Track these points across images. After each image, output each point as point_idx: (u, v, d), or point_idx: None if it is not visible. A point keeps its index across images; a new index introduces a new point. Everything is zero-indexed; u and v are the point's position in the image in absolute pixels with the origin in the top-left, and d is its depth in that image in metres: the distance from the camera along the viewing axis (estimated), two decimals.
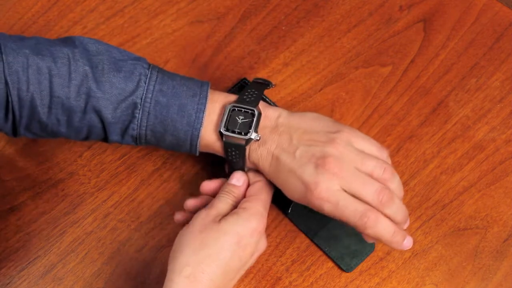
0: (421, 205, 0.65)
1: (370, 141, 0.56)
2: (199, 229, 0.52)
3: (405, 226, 0.55)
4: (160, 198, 0.64)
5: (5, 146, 0.65)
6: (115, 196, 0.64)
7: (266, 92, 0.69)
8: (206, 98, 0.55)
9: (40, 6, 0.73)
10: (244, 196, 0.57)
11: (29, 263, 0.61)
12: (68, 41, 0.55)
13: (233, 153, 0.56)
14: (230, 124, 0.55)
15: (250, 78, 0.70)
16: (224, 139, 0.55)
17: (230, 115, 0.55)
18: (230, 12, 0.74)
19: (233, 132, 0.55)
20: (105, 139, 0.57)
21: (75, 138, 0.57)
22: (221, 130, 0.55)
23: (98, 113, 0.54)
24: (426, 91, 0.71)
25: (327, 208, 0.52)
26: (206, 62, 0.71)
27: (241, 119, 0.55)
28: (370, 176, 0.53)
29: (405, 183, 0.66)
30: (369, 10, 0.75)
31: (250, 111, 0.55)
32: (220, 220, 0.53)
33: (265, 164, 0.56)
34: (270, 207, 0.64)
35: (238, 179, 0.57)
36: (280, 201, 0.63)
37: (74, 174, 0.64)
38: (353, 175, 0.53)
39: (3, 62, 0.51)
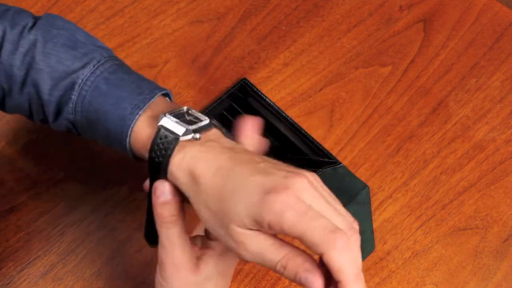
0: (421, 205, 0.65)
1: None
2: (180, 286, 0.46)
3: None
4: None
5: (5, 146, 0.65)
6: (115, 196, 0.64)
7: (265, 92, 0.70)
8: (151, 99, 0.47)
9: (40, 6, 0.73)
10: (182, 206, 0.47)
11: (29, 263, 0.61)
12: (38, 16, 0.52)
13: (161, 146, 0.44)
14: (175, 115, 0.45)
15: (250, 78, 0.70)
16: (161, 122, 0.44)
17: (181, 111, 0.46)
18: (230, 12, 0.74)
19: (176, 121, 0.44)
20: (46, 120, 0.52)
21: (22, 114, 0.53)
22: (163, 114, 0.45)
23: (36, 87, 0.50)
24: (426, 91, 0.71)
25: (289, 217, 0.39)
26: (206, 62, 0.71)
27: (189, 118, 0.46)
28: None
29: (405, 183, 0.66)
30: (369, 10, 0.75)
31: (202, 119, 0.46)
32: (198, 264, 0.46)
33: (206, 170, 0.43)
34: None
35: (163, 192, 0.46)
36: None
37: (74, 174, 0.64)
38: (326, 202, 0.42)
39: None
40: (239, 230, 0.41)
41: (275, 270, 0.41)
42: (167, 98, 0.50)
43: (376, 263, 0.62)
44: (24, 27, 0.50)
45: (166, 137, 0.44)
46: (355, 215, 0.62)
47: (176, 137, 0.44)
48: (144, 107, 0.47)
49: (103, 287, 0.60)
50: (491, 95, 0.71)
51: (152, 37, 0.72)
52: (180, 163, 0.44)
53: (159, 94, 0.48)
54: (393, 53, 0.73)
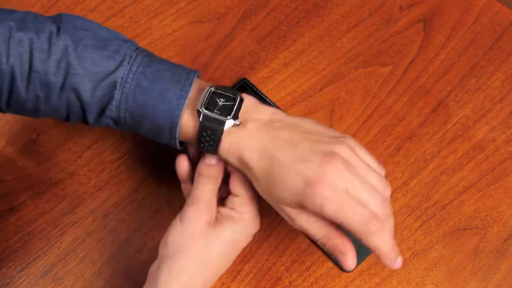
0: (421, 205, 0.65)
1: (372, 156, 0.52)
2: (195, 233, 0.51)
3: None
4: (160, 198, 0.64)
5: (5, 146, 0.65)
6: (115, 196, 0.64)
7: (265, 92, 0.70)
8: (190, 86, 0.51)
9: (40, 6, 0.73)
10: (223, 175, 0.54)
11: (29, 263, 0.61)
12: (56, 17, 0.53)
13: (207, 138, 0.51)
14: (209, 105, 0.51)
15: (250, 78, 0.70)
16: (201, 119, 0.50)
17: (210, 96, 0.51)
18: (230, 12, 0.74)
19: (212, 112, 0.50)
20: (85, 120, 0.54)
21: (57, 117, 0.55)
22: (200, 109, 0.50)
23: (76, 91, 0.51)
24: (426, 91, 0.71)
25: (329, 207, 0.47)
26: (206, 62, 0.71)
27: (222, 102, 0.51)
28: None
29: (405, 183, 0.66)
30: (369, 10, 0.75)
31: (231, 96, 0.51)
32: (215, 224, 0.52)
33: (253, 155, 0.50)
34: (270, 207, 0.64)
35: (211, 158, 0.53)
36: None
37: (74, 174, 0.64)
38: (360, 180, 0.48)
39: None
40: (287, 208, 0.50)
41: (317, 243, 0.51)
42: (196, 76, 0.53)
43: (376, 263, 0.62)
44: (50, 34, 0.51)
45: (209, 130, 0.51)
46: None
47: (220, 130, 0.50)
48: (188, 96, 0.51)
49: (103, 287, 0.60)
50: (491, 95, 0.71)
51: (152, 37, 0.72)
52: (227, 150, 0.51)
53: (195, 78, 0.52)
54: (393, 53, 0.73)
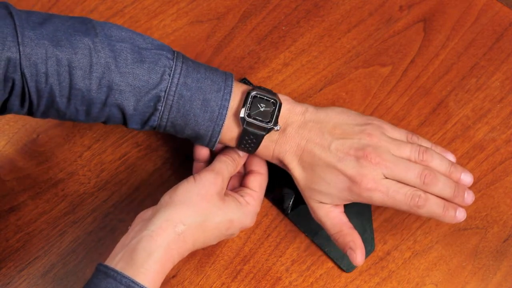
0: None
1: (399, 130, 0.58)
2: (205, 195, 0.54)
3: (468, 183, 0.57)
4: (160, 198, 0.64)
5: (5, 146, 0.65)
6: (115, 196, 0.64)
7: None
8: (230, 94, 0.54)
9: (40, 7, 0.73)
10: (244, 168, 0.61)
11: (29, 263, 0.61)
12: (89, 29, 0.52)
13: (249, 141, 0.55)
14: (251, 111, 0.54)
15: (250, 78, 0.70)
16: (244, 125, 0.54)
17: (252, 101, 0.54)
18: (230, 12, 0.74)
19: (255, 119, 0.54)
20: (124, 124, 0.56)
21: (93, 122, 0.58)
22: (244, 116, 0.54)
23: (119, 106, 0.53)
24: (426, 91, 0.71)
25: (377, 197, 0.54)
26: (206, 62, 0.71)
27: (263, 107, 0.55)
28: (409, 160, 0.55)
29: None
30: (369, 10, 0.75)
31: (271, 100, 0.55)
32: (224, 197, 0.56)
33: (293, 158, 0.56)
34: (270, 207, 0.64)
35: (240, 152, 0.59)
36: (280, 201, 0.63)
37: (74, 174, 0.64)
38: (394, 162, 0.54)
39: (19, 54, 0.49)
40: (312, 202, 0.57)
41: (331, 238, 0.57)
42: (233, 80, 0.56)
43: (376, 263, 0.62)
44: (89, 50, 0.51)
45: (252, 134, 0.55)
46: (355, 215, 0.63)
47: (262, 135, 0.55)
48: (229, 105, 0.54)
49: None
50: (491, 95, 0.71)
51: (152, 37, 0.72)
52: (268, 153, 0.57)
53: (232, 84, 0.55)
54: (393, 53, 0.73)
